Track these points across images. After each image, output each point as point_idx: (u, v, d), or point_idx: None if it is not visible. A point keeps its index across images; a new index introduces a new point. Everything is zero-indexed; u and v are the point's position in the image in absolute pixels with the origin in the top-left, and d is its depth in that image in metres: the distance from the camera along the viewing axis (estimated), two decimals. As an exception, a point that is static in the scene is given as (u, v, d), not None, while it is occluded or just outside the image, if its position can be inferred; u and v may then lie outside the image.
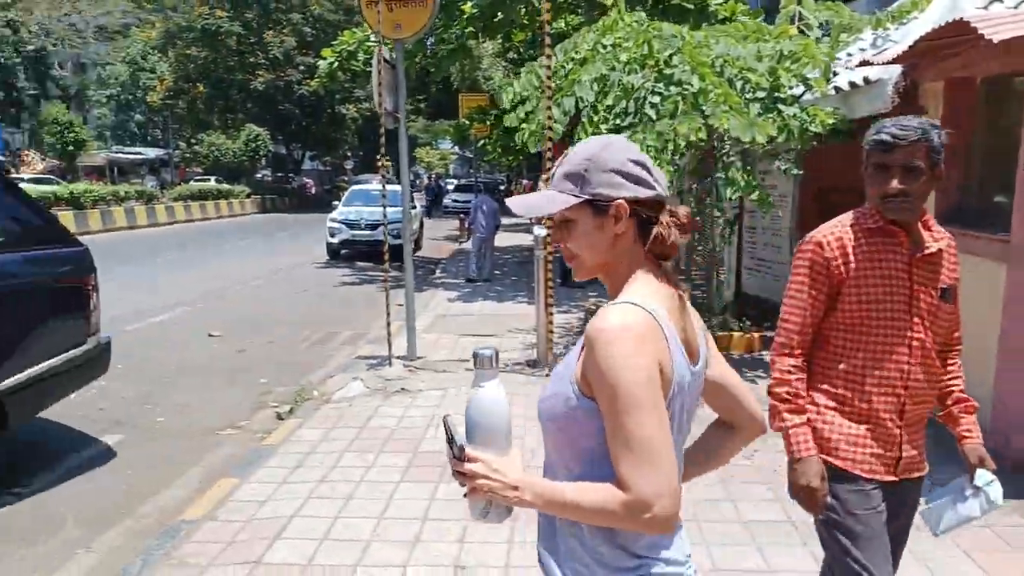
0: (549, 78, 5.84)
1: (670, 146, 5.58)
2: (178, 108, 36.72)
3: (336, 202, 17.26)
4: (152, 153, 40.83)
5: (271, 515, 3.60)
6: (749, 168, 6.13)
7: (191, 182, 31.98)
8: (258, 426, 5.22)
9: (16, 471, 4.19)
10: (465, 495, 1.22)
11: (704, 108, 5.70)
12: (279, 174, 42.27)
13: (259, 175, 39.32)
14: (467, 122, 16.25)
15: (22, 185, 21.11)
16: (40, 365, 3.90)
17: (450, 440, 1.23)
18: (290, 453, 4.41)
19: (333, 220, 15.50)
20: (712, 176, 6.56)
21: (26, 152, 39.34)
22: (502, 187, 35.02)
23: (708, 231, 6.99)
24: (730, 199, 6.98)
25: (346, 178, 43.34)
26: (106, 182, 30.06)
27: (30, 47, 37.01)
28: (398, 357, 6.38)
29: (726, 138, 6.18)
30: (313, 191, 40.79)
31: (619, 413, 1.09)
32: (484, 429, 1.22)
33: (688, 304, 1.29)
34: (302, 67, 33.03)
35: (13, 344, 3.80)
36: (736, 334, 6.69)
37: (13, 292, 3.83)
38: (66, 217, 19.06)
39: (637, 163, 1.21)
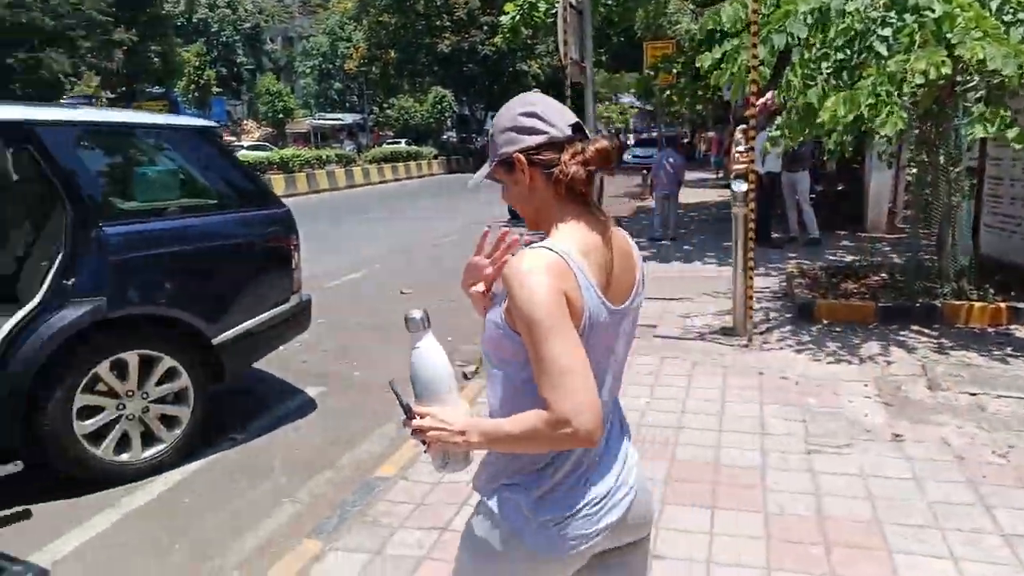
0: (755, 12, 5.18)
1: (904, 87, 4.76)
2: (371, 74, 38.88)
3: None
4: (349, 118, 43.76)
5: (457, 478, 3.54)
6: (1006, 105, 5.10)
7: (383, 145, 33.86)
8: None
9: (233, 418, 4.52)
10: (425, 451, 1.34)
11: (949, 37, 4.79)
12: (463, 135, 43.60)
13: (445, 136, 40.82)
14: (651, 73, 15.48)
15: (242, 152, 23.36)
16: (251, 321, 4.12)
17: (400, 403, 1.33)
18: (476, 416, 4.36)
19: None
20: (946, 118, 5.57)
21: (245, 122, 43.74)
22: (685, 140, 33.48)
23: (940, 184, 5.99)
24: (968, 145, 5.94)
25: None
26: (310, 147, 32.69)
27: (247, 24, 40.85)
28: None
29: (973, 71, 5.19)
30: (494, 150, 41.60)
31: (536, 343, 1.21)
32: (427, 384, 1.33)
33: (622, 241, 1.38)
34: (485, 27, 33.45)
35: (228, 300, 4.04)
36: (976, 304, 5.72)
37: (228, 251, 4.06)
38: (277, 180, 20.89)
39: (526, 114, 1.31)
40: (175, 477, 3.81)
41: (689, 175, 13.99)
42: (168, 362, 3.79)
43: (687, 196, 14.21)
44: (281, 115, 34.34)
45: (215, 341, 3.94)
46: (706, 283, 7.93)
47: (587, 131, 1.34)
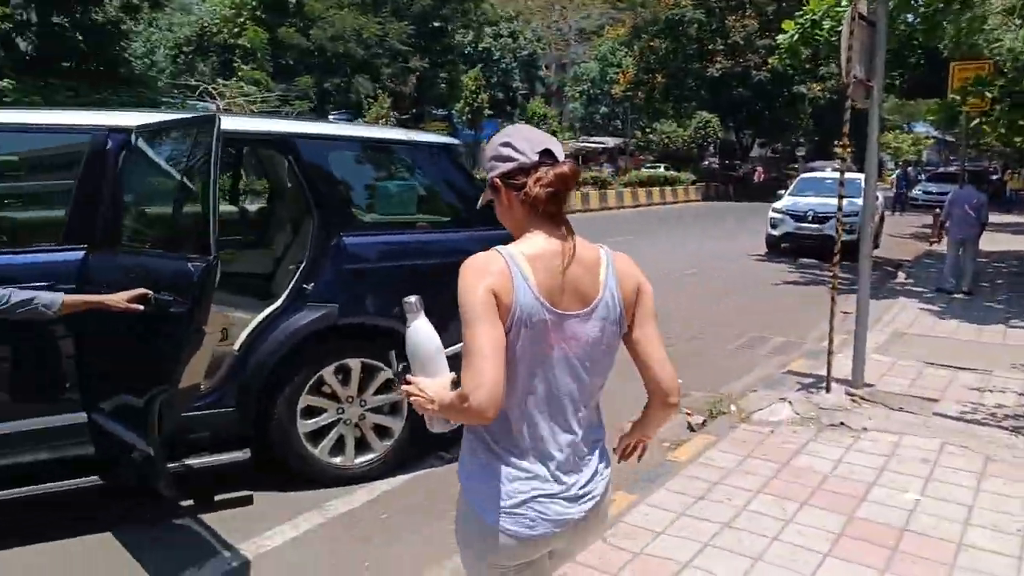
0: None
1: None
2: (637, 99, 38.94)
3: (782, 191, 15.99)
4: (611, 142, 44.29)
5: (662, 553, 3.08)
6: None
7: (642, 169, 33.67)
8: (666, 432, 4.77)
9: (445, 434, 4.48)
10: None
11: None
12: (725, 161, 41.91)
13: (706, 162, 39.54)
14: (957, 97, 13.31)
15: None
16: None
17: (393, 372, 1.62)
18: (695, 478, 3.84)
19: (776, 210, 14.35)
20: None
21: (514, 143, 46.40)
22: (993, 177, 28.67)
23: None
24: None
25: (796, 165, 40.76)
26: (571, 168, 33.53)
27: (524, 52, 43.32)
28: (839, 380, 5.26)
29: None
30: (760, 178, 39.39)
31: (463, 327, 1.43)
32: (418, 358, 1.55)
33: (589, 257, 1.54)
34: (762, 50, 31.82)
35: (451, 319, 3.96)
36: None
37: (457, 269, 4.02)
38: (534, 199, 21.64)
39: (503, 144, 1.52)
40: (380, 487, 3.82)
41: (994, 217, 11.75)
42: (388, 373, 3.83)
43: (989, 243, 11.96)
44: (545, 137, 35.81)
45: (435, 357, 3.91)
46: (1010, 352, 6.45)
47: (558, 156, 1.50)
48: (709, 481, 3.80)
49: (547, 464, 1.54)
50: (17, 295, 2.32)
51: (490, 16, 40.76)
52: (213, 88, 21.91)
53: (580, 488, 1.57)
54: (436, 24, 34.07)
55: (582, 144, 44.45)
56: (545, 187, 1.47)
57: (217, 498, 3.62)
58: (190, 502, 3.58)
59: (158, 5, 25.82)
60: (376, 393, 3.85)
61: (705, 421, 4.82)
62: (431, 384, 1.51)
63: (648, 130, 39.88)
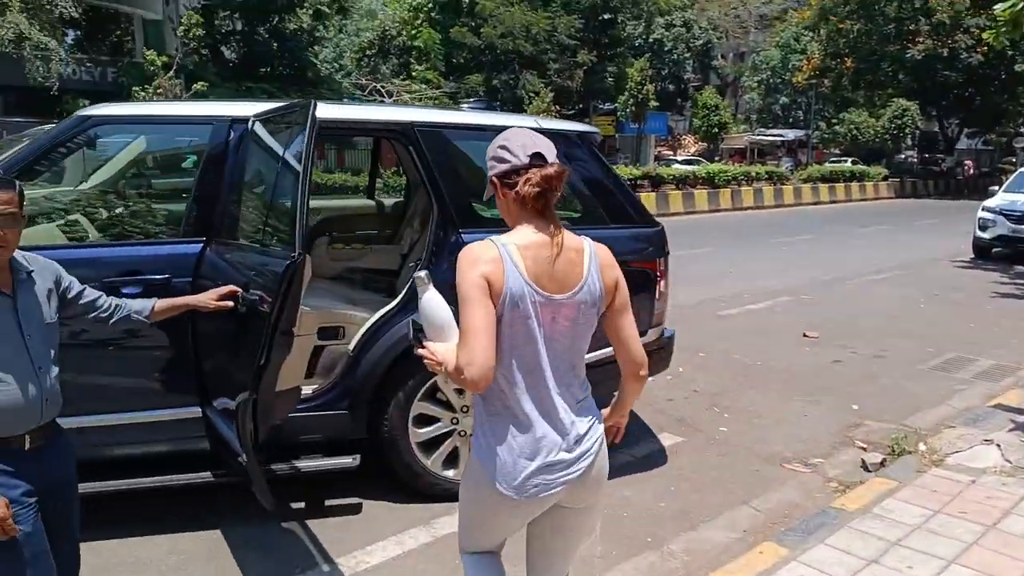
0: None
1: None
2: (822, 87, 35.97)
3: (995, 187, 13.86)
4: (791, 134, 41.33)
5: None
6: None
7: (825, 163, 31.01)
8: (834, 470, 4.05)
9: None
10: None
11: None
12: (925, 155, 37.59)
13: (902, 156, 35.71)
14: None
15: (674, 166, 23.75)
16: (594, 352, 3.60)
17: (411, 337, 1.83)
18: (867, 534, 3.15)
19: (987, 209, 12.43)
20: None
21: (684, 136, 44.75)
22: None
23: None
24: None
25: (1013, 159, 35.71)
26: (744, 163, 31.66)
27: (699, 42, 41.46)
28: (1068, 421, 4.23)
29: None
30: (969, 173, 34.93)
31: (459, 308, 1.64)
32: (431, 325, 1.75)
33: (572, 249, 1.73)
34: (972, 28, 28.05)
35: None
36: None
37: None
38: (700, 195, 20.56)
39: (500, 147, 1.72)
40: (494, 508, 3.51)
41: None
42: (505, 383, 3.50)
43: None
44: (716, 129, 33.93)
45: (555, 369, 3.53)
46: None
47: (548, 159, 1.69)
48: (885, 540, 3.09)
49: (538, 426, 1.73)
50: (112, 310, 2.25)
51: (662, 6, 39.41)
52: (381, 87, 22.95)
53: (574, 443, 1.75)
54: (606, 16, 33.46)
55: (757, 137, 41.90)
56: (533, 186, 1.67)
57: (327, 503, 3.52)
58: (301, 505, 3.50)
59: (344, 11, 27.56)
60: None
61: (884, 460, 4.03)
62: (441, 348, 1.72)
63: (834, 121, 36.70)
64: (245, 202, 3.05)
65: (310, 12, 24.63)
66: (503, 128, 3.87)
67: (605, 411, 1.96)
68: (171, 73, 18.95)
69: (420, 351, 1.74)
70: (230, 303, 2.53)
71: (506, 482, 1.71)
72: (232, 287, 2.57)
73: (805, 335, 6.93)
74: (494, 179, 1.72)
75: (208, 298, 2.48)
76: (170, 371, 3.12)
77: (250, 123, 3.09)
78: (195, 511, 3.34)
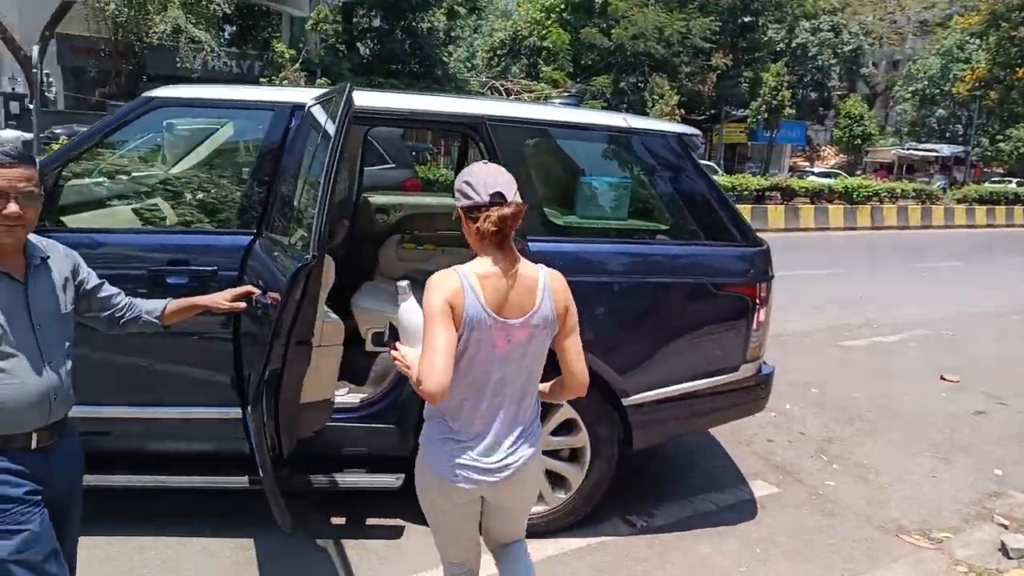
0: None
1: None
2: (987, 99, 32.64)
3: None
4: (947, 150, 37.86)
5: None
6: None
7: (985, 183, 28.08)
8: (965, 549, 3.37)
9: (643, 494, 3.65)
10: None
11: None
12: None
13: (1078, 179, 31.77)
14: None
15: (810, 178, 22.22)
16: (675, 386, 3.16)
17: (385, 341, 2.10)
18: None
19: None
20: None
21: (824, 147, 42.01)
22: None
23: None
24: None
25: None
26: (890, 178, 29.23)
27: (847, 48, 38.69)
28: None
29: None
30: None
31: (425, 327, 1.78)
32: (405, 332, 1.93)
33: (528, 277, 1.87)
34: None
35: (652, 354, 3.16)
36: None
37: (666, 291, 3.16)
38: (835, 211, 19.07)
39: (465, 183, 1.84)
40: (546, 550, 3.13)
41: None
42: (568, 411, 3.12)
43: None
44: (858, 141, 31.50)
45: (627, 401, 3.11)
46: None
47: (507, 198, 1.80)
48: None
49: (476, 437, 1.89)
50: (125, 310, 2.08)
51: (807, 9, 37.11)
52: (500, 85, 22.91)
53: (498, 462, 1.90)
54: (746, 19, 31.94)
55: (907, 152, 38.69)
56: (491, 224, 1.78)
57: (368, 522, 3.28)
58: (342, 520, 3.28)
59: (477, 11, 27.88)
60: (554, 433, 3.16)
61: (1031, 547, 3.30)
62: (412, 355, 1.86)
63: (999, 137, 33.20)
64: (298, 194, 2.85)
65: (444, 11, 25.08)
66: (583, 126, 3.53)
67: (544, 386, 2.05)
68: (296, 65, 19.77)
69: (393, 352, 1.91)
70: (243, 304, 2.31)
71: (436, 468, 1.91)
72: (248, 287, 2.36)
73: (943, 378, 6.03)
74: (459, 210, 1.84)
75: (222, 298, 2.28)
76: (211, 369, 2.97)
77: (307, 106, 2.89)
78: (230, 516, 3.19)
